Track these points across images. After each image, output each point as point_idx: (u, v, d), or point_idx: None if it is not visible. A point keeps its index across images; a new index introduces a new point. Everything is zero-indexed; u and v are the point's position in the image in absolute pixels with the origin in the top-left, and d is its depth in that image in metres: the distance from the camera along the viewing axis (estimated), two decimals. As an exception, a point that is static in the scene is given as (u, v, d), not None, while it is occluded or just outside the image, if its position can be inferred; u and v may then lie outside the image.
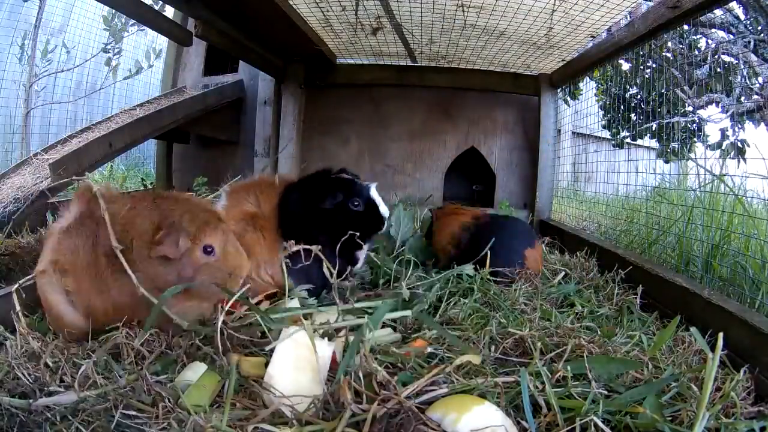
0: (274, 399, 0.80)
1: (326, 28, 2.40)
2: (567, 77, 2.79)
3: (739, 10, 4.07)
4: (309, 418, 0.76)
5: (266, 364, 0.88)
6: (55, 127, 5.12)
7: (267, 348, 0.94)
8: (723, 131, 3.93)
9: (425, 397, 0.82)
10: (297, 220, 1.38)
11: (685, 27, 3.84)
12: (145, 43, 5.55)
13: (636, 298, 1.45)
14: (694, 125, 4.08)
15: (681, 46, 4.09)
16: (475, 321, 1.25)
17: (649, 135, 4.26)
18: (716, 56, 4.04)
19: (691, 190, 2.25)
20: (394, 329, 1.16)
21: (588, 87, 4.24)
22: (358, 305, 1.17)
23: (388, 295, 1.30)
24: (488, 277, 1.50)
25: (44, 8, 4.42)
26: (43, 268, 1.05)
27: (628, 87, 4.25)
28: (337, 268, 1.17)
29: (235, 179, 1.84)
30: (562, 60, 2.64)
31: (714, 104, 4.19)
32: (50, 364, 0.93)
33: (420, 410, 0.76)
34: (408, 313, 1.12)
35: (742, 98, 4.05)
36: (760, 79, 4.11)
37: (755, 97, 4.08)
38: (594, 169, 3.20)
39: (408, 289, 1.30)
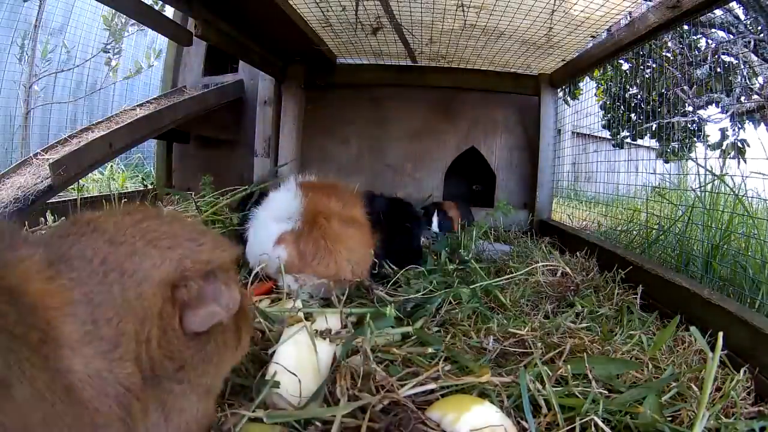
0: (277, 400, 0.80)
1: (326, 28, 2.40)
2: (567, 77, 2.79)
3: (739, 10, 4.06)
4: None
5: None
6: (55, 127, 5.12)
7: (269, 351, 0.94)
8: (723, 131, 3.92)
9: (423, 394, 0.82)
10: (400, 228, 1.73)
11: (685, 27, 3.83)
12: (145, 43, 5.56)
13: (636, 298, 1.45)
14: (694, 125, 4.08)
15: (681, 46, 4.09)
16: (475, 321, 1.25)
17: (649, 135, 4.25)
18: (716, 56, 4.03)
19: (691, 190, 2.24)
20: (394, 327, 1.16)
21: (588, 87, 4.24)
22: (355, 311, 1.17)
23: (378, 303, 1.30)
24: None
25: (44, 8, 4.42)
26: None
27: (628, 87, 4.25)
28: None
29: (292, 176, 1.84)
30: (562, 60, 2.64)
31: (714, 104, 4.19)
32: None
33: (420, 409, 0.76)
34: (409, 329, 1.12)
35: (742, 98, 4.04)
36: (760, 79, 4.10)
37: (755, 97, 4.07)
38: (594, 169, 3.20)
39: (403, 300, 1.30)
